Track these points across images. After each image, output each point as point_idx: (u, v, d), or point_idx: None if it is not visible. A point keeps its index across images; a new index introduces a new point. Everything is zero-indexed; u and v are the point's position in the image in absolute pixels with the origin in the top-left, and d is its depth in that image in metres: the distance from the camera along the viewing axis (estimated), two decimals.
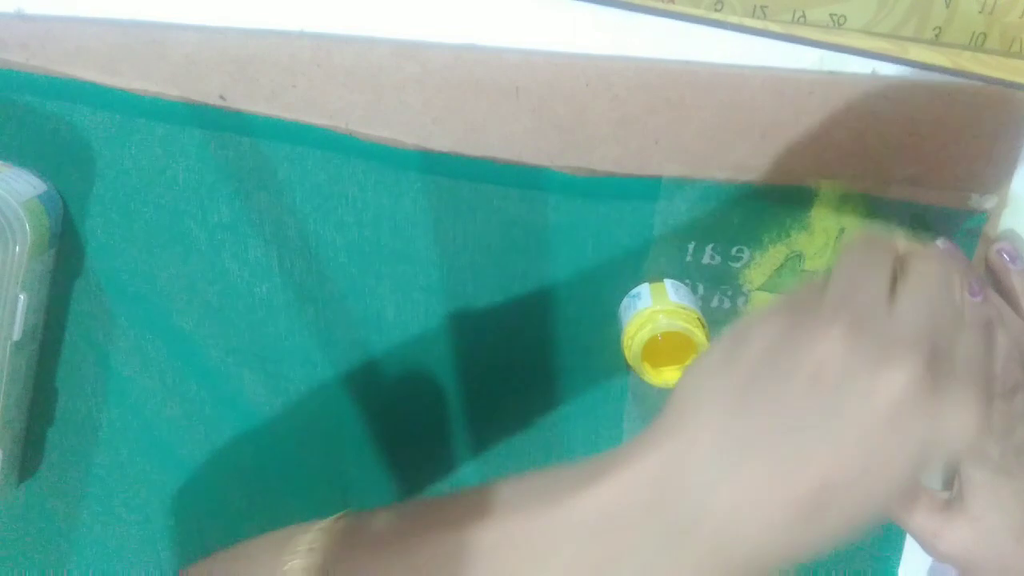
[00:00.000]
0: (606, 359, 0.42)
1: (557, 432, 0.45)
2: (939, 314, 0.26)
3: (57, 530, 0.47)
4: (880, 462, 0.24)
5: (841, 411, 0.24)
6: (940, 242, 0.40)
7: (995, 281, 0.41)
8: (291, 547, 0.32)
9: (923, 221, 0.41)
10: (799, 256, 0.42)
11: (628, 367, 0.40)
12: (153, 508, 0.47)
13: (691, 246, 0.41)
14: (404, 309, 0.43)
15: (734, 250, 0.41)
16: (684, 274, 0.42)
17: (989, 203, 0.40)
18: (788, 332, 0.26)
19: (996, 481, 0.40)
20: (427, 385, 0.45)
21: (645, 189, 0.40)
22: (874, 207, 0.40)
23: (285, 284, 0.43)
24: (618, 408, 0.45)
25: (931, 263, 0.28)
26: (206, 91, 0.39)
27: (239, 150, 0.40)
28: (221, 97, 0.39)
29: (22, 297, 0.39)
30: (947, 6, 0.39)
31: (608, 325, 0.42)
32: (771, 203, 0.40)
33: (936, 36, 0.39)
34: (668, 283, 0.41)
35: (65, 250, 0.42)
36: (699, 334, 0.38)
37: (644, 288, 0.40)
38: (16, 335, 0.40)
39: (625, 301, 0.41)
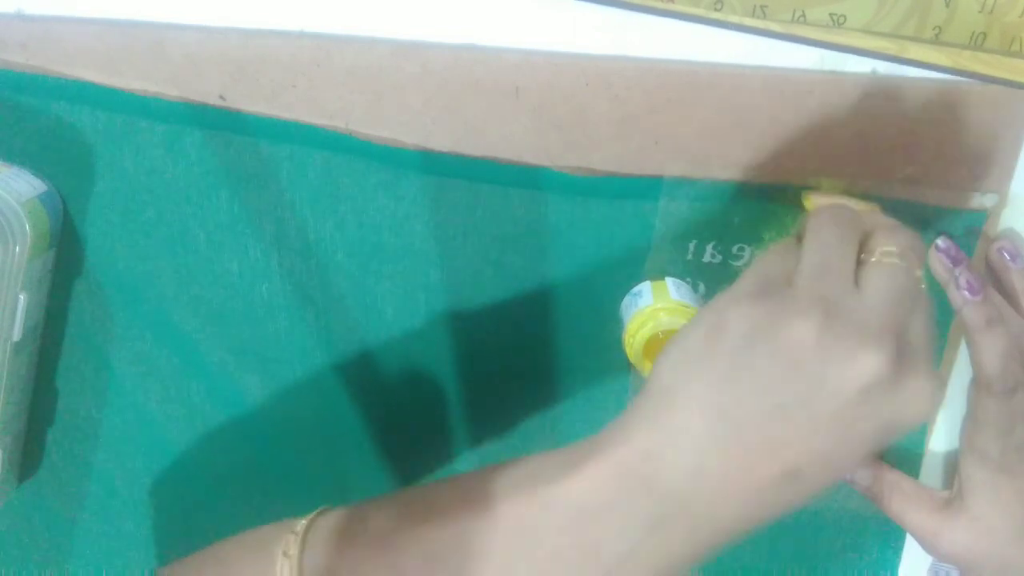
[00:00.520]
0: (607, 357, 0.42)
1: (559, 431, 0.45)
2: (901, 295, 0.28)
3: (57, 530, 0.47)
4: (849, 440, 0.27)
5: (815, 393, 0.26)
6: (940, 241, 0.40)
7: (995, 280, 0.41)
8: (268, 552, 0.32)
9: (923, 221, 0.41)
10: None
11: (630, 365, 0.40)
12: (153, 508, 0.47)
13: (692, 245, 0.41)
14: (404, 309, 0.43)
15: (735, 249, 0.41)
16: (685, 272, 0.42)
17: (989, 202, 0.40)
18: (766, 318, 0.27)
19: (996, 480, 0.40)
20: (427, 385, 0.45)
21: (645, 189, 0.40)
22: None
23: (285, 284, 0.43)
24: (620, 406, 0.45)
25: (892, 241, 0.30)
26: (206, 91, 0.39)
27: (239, 150, 0.40)
28: (221, 97, 0.39)
29: (22, 297, 0.39)
30: (947, 5, 0.39)
31: (609, 323, 0.42)
32: (771, 202, 0.40)
33: (936, 35, 0.40)
34: (669, 281, 0.41)
35: (65, 250, 0.42)
36: None
37: (645, 286, 0.40)
38: (16, 335, 0.40)
39: (626, 299, 0.41)
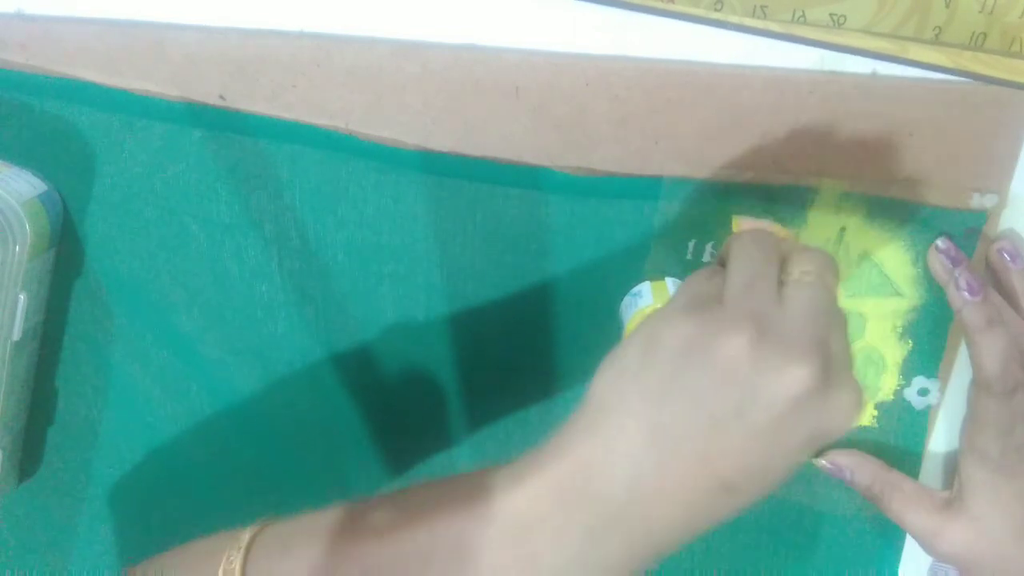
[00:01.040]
0: None
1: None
2: (822, 310, 0.29)
3: (57, 530, 0.47)
4: (781, 450, 0.28)
5: (749, 405, 0.27)
6: (940, 241, 0.40)
7: (995, 280, 0.41)
8: (213, 562, 0.33)
9: (923, 221, 0.41)
10: None
11: None
12: (153, 508, 0.47)
13: (691, 245, 0.41)
14: (404, 309, 0.43)
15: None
16: (685, 272, 0.42)
17: (989, 202, 0.40)
18: (698, 332, 0.28)
19: (996, 481, 0.40)
20: (427, 384, 0.45)
21: (645, 189, 0.40)
22: (874, 207, 0.40)
23: (285, 284, 0.43)
24: None
25: (808, 261, 0.31)
26: (206, 91, 0.39)
27: (239, 150, 0.40)
28: (221, 97, 0.39)
29: (22, 297, 0.39)
30: (947, 6, 0.39)
31: (609, 324, 0.42)
32: (771, 202, 0.40)
33: (936, 36, 0.40)
34: (669, 281, 0.41)
35: (65, 250, 0.42)
36: None
37: (645, 286, 0.40)
38: (16, 335, 0.40)
39: (626, 299, 0.41)
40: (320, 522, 0.33)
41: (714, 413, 0.27)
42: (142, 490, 0.47)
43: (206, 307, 0.43)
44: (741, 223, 0.37)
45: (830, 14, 0.39)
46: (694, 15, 0.38)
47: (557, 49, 0.38)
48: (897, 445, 0.44)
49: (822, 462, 0.43)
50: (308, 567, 0.31)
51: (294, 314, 0.43)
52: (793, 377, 0.27)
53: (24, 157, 0.40)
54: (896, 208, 0.40)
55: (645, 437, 0.28)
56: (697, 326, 0.28)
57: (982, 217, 0.40)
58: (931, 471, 0.45)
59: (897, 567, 0.47)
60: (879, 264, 0.41)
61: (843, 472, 0.43)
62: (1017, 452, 0.39)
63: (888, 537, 0.46)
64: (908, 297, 0.42)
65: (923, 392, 0.43)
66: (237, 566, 0.32)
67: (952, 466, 0.43)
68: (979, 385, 0.39)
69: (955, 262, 0.39)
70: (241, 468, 0.46)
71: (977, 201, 0.40)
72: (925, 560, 0.46)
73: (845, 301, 0.42)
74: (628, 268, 0.42)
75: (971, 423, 0.40)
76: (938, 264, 0.40)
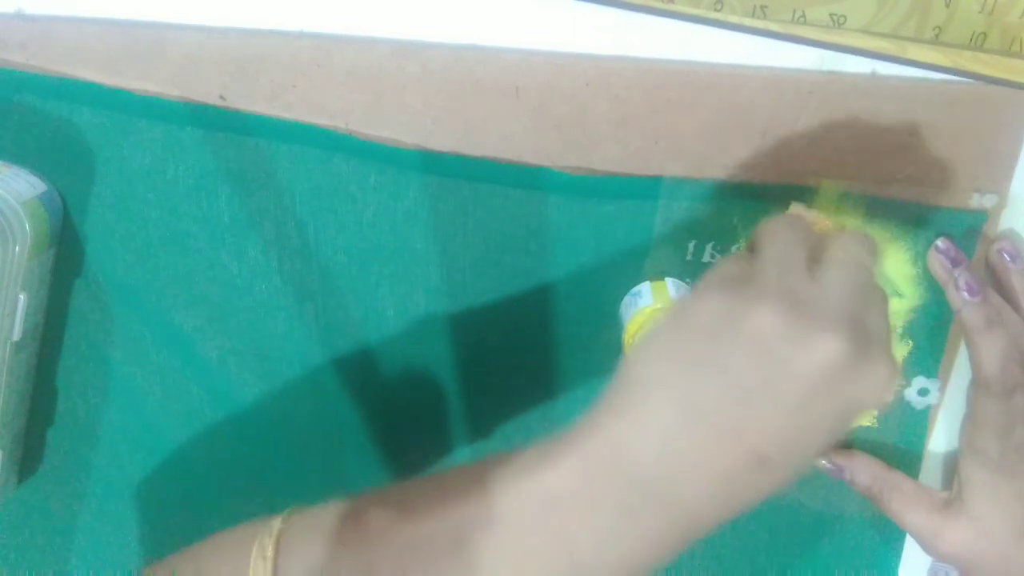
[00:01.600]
0: (607, 358, 0.42)
1: (559, 431, 0.45)
2: (858, 287, 0.29)
3: (57, 530, 0.47)
4: (814, 422, 0.28)
5: (781, 377, 0.27)
6: (940, 241, 0.40)
7: (995, 281, 0.41)
8: (244, 552, 0.33)
9: (923, 221, 0.41)
10: None
11: None
12: (153, 508, 0.47)
13: (691, 245, 0.41)
14: (404, 309, 0.43)
15: (734, 249, 0.41)
16: (685, 273, 0.42)
17: (989, 203, 0.40)
18: (728, 307, 0.28)
19: (996, 481, 0.40)
20: (427, 385, 0.45)
21: (645, 189, 0.40)
22: (874, 207, 0.40)
23: (285, 284, 0.43)
24: None
25: (847, 241, 0.32)
26: (206, 91, 0.39)
27: (239, 150, 0.40)
28: (221, 97, 0.39)
29: (22, 297, 0.39)
30: (947, 6, 0.39)
31: (609, 324, 0.42)
32: (771, 202, 0.40)
33: (936, 36, 0.39)
34: (669, 281, 0.41)
35: (65, 250, 0.42)
36: None
37: (645, 287, 0.40)
38: (16, 335, 0.40)
39: (626, 300, 0.41)
40: (349, 509, 0.33)
41: (746, 387, 0.27)
42: (142, 490, 0.47)
43: (206, 307, 0.43)
44: (794, 210, 0.38)
45: (830, 14, 0.39)
46: (694, 15, 0.38)
47: (557, 49, 0.38)
48: (897, 445, 0.44)
49: (822, 462, 0.44)
50: (341, 552, 0.31)
51: (294, 314, 0.43)
52: (824, 350, 0.27)
53: (24, 157, 0.40)
54: (896, 208, 0.40)
55: (677, 412, 0.28)
56: (728, 301, 0.28)
57: (982, 217, 0.40)
58: (931, 471, 0.45)
59: (897, 567, 0.47)
60: (879, 264, 0.41)
61: (843, 472, 0.43)
62: (1016, 452, 0.39)
63: (888, 537, 0.46)
64: (908, 297, 0.42)
65: (923, 392, 0.43)
66: (270, 552, 0.32)
67: (952, 466, 0.43)
68: (978, 385, 0.39)
69: (955, 262, 0.39)
70: (241, 468, 0.46)
71: (977, 201, 0.40)
72: (925, 560, 0.46)
73: None
74: (628, 268, 0.42)
75: (971, 423, 0.40)
76: (938, 264, 0.40)
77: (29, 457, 0.46)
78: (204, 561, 0.35)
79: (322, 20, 0.38)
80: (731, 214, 0.41)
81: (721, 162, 0.40)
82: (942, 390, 0.43)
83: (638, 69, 0.38)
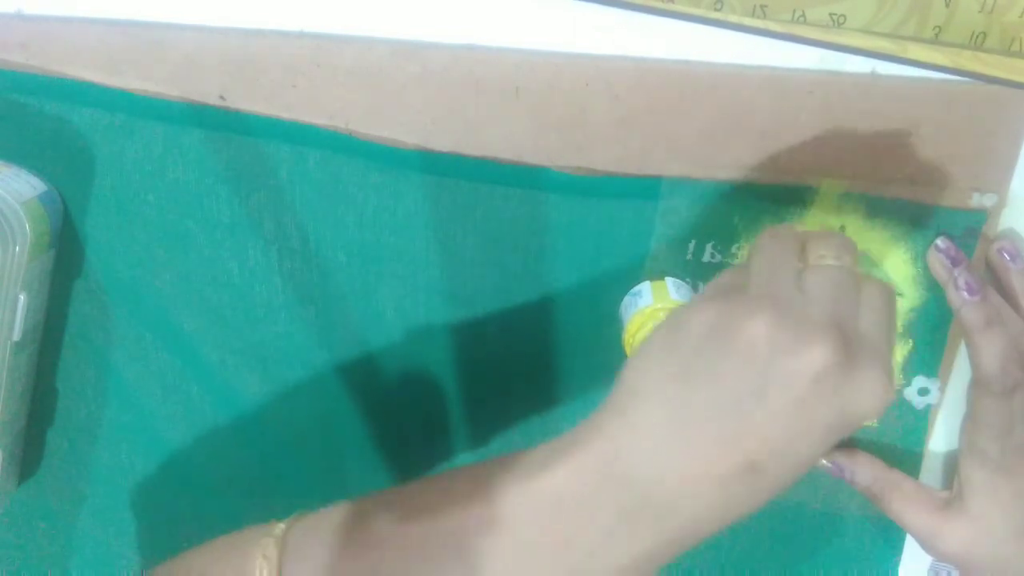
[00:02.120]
0: (607, 358, 0.42)
1: (559, 431, 0.45)
2: (840, 290, 0.30)
3: (57, 530, 0.47)
4: (806, 430, 0.28)
5: (771, 386, 0.28)
6: (940, 241, 0.40)
7: (995, 280, 0.41)
8: (246, 555, 0.33)
9: (923, 221, 0.41)
10: None
11: None
12: (153, 508, 0.47)
13: (691, 245, 0.41)
14: (404, 309, 0.43)
15: (734, 248, 0.41)
16: (685, 272, 0.42)
17: (989, 202, 0.40)
18: (720, 318, 0.29)
19: (996, 480, 0.40)
20: (427, 385, 0.45)
21: (645, 189, 0.40)
22: (874, 207, 0.40)
23: (285, 284, 0.43)
24: None
25: (823, 245, 0.32)
26: (206, 91, 0.39)
27: (239, 150, 0.40)
28: (221, 97, 0.39)
29: (22, 297, 0.39)
30: (947, 5, 0.39)
31: (609, 324, 0.42)
32: (771, 202, 0.40)
33: (936, 35, 0.40)
34: (669, 281, 0.41)
35: (65, 250, 0.42)
36: None
37: (645, 286, 0.40)
38: (16, 335, 0.40)
39: (626, 299, 0.41)
40: (352, 511, 0.33)
41: (737, 394, 0.28)
42: (142, 490, 0.47)
43: (206, 307, 0.43)
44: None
45: (830, 14, 0.39)
46: (694, 15, 0.38)
47: (557, 49, 0.38)
48: (897, 445, 0.44)
49: (823, 462, 0.44)
50: (344, 555, 0.32)
51: (294, 314, 0.43)
52: (810, 356, 0.27)
53: (24, 157, 0.40)
54: (896, 208, 0.40)
55: (670, 420, 0.28)
56: (719, 312, 0.29)
57: (982, 217, 0.40)
58: (931, 471, 0.45)
59: (897, 567, 0.47)
60: (879, 264, 0.41)
61: (843, 472, 0.43)
62: (1016, 452, 0.39)
63: (888, 537, 0.46)
64: (908, 297, 0.42)
65: (923, 392, 0.43)
66: (274, 556, 0.32)
67: (952, 466, 0.43)
68: (978, 385, 0.39)
69: (955, 262, 0.39)
70: (241, 467, 0.46)
71: (977, 201, 0.40)
72: (925, 560, 0.46)
73: None
74: (628, 268, 0.42)
75: (971, 423, 0.40)
76: (938, 264, 0.40)
77: (29, 457, 0.46)
78: (206, 565, 0.35)
79: (322, 20, 0.38)
80: (731, 214, 0.41)
81: (721, 162, 0.40)
82: (942, 390, 0.43)
83: (638, 69, 0.38)
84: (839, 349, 0.27)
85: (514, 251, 0.42)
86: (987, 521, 0.40)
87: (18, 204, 0.38)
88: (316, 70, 0.38)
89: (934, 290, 0.41)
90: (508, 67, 0.38)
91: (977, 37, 0.39)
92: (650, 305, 0.39)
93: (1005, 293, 0.40)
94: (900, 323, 0.42)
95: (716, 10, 0.39)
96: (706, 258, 0.42)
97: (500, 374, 0.44)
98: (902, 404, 0.44)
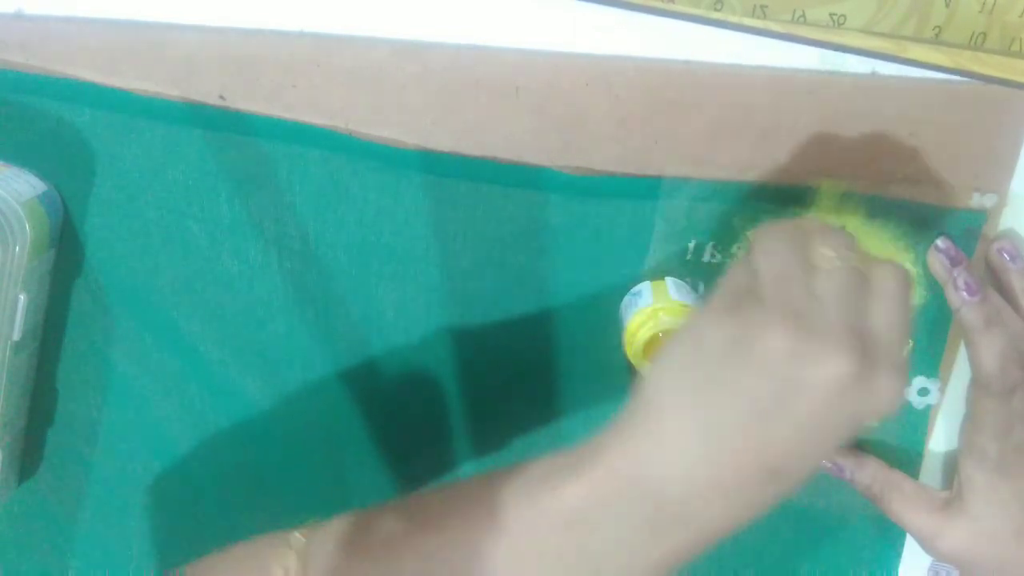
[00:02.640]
0: (607, 357, 0.42)
1: (559, 431, 0.45)
2: (848, 292, 0.30)
3: (57, 530, 0.47)
4: (823, 436, 0.29)
5: (791, 397, 0.28)
6: (940, 241, 0.40)
7: (995, 280, 0.41)
8: (265, 567, 0.33)
9: (923, 221, 0.41)
10: None
11: (630, 365, 0.40)
12: (153, 508, 0.47)
13: (692, 245, 0.41)
14: (404, 309, 0.43)
15: (735, 248, 0.41)
16: (685, 272, 0.42)
17: (989, 202, 0.40)
18: (739, 331, 0.29)
19: (995, 481, 0.40)
20: (427, 385, 0.45)
21: (645, 189, 0.40)
22: (874, 206, 0.40)
23: (285, 284, 0.43)
24: (620, 406, 0.45)
25: (828, 246, 0.32)
26: (206, 91, 0.39)
27: (239, 150, 0.40)
28: (221, 97, 0.39)
29: (22, 297, 0.39)
30: (947, 5, 0.39)
31: (609, 324, 0.42)
32: (771, 202, 0.40)
33: (936, 35, 0.40)
34: (669, 281, 0.41)
35: (65, 250, 0.42)
36: None
37: (645, 286, 0.40)
38: (16, 335, 0.40)
39: (626, 299, 0.41)
40: (364, 521, 0.33)
41: (760, 406, 0.28)
42: (142, 490, 0.47)
43: (206, 307, 0.43)
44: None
45: (830, 14, 0.39)
46: (694, 15, 0.38)
47: (557, 49, 0.38)
48: (897, 445, 0.44)
49: (823, 462, 0.43)
50: (359, 566, 0.32)
51: (294, 314, 0.43)
52: (830, 367, 0.28)
53: (24, 157, 0.40)
54: (896, 208, 0.40)
55: (697, 433, 0.29)
56: (737, 325, 0.29)
57: (982, 217, 0.40)
58: (931, 471, 0.45)
59: (897, 567, 0.47)
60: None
61: (843, 472, 0.43)
62: (1016, 452, 0.39)
63: (888, 537, 0.46)
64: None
65: (923, 392, 0.43)
66: (293, 568, 0.33)
67: (952, 466, 0.43)
68: (978, 385, 0.39)
69: (954, 262, 0.39)
70: (241, 467, 0.46)
71: (977, 201, 0.40)
72: (925, 560, 0.46)
73: None
74: (628, 267, 0.42)
75: (970, 423, 0.40)
76: (938, 264, 0.40)
77: (29, 457, 0.46)
78: (227, 572, 0.36)
79: (322, 20, 0.38)
80: (731, 214, 0.41)
81: (721, 162, 0.40)
82: (942, 390, 0.43)
83: (638, 69, 0.38)
84: (856, 357, 0.28)
85: (514, 251, 0.42)
86: (987, 521, 0.40)
87: (18, 204, 0.38)
88: (316, 70, 0.38)
89: (934, 290, 0.41)
90: (508, 67, 0.38)
91: (977, 37, 0.39)
92: (650, 305, 0.39)
93: (1005, 293, 0.40)
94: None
95: (716, 10, 0.39)
96: (706, 258, 0.42)
97: (500, 373, 0.44)
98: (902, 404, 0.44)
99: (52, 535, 0.48)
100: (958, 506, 0.41)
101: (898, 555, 0.47)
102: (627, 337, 0.39)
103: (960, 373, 0.43)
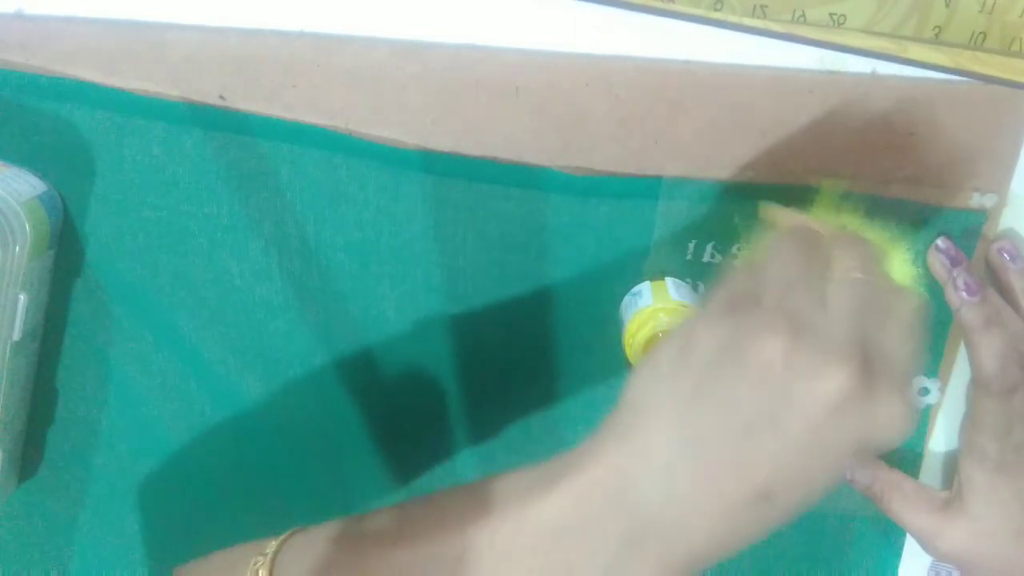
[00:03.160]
0: (607, 358, 0.42)
1: (559, 431, 0.45)
2: (865, 308, 0.28)
3: (57, 530, 0.47)
4: (819, 458, 0.26)
5: (786, 413, 0.26)
6: (940, 241, 0.40)
7: (995, 280, 0.41)
8: (237, 573, 0.32)
9: (923, 221, 0.41)
10: None
11: (629, 365, 0.40)
12: (153, 508, 0.47)
13: (692, 245, 0.41)
14: (404, 309, 0.43)
15: (735, 248, 0.41)
16: (685, 272, 0.42)
17: (989, 202, 0.40)
18: (734, 335, 0.27)
19: (995, 481, 0.40)
20: (427, 385, 0.45)
21: (645, 189, 0.40)
22: (874, 206, 0.40)
23: (285, 284, 0.43)
24: None
25: (851, 255, 0.30)
26: (206, 91, 0.39)
27: (239, 150, 0.40)
28: (221, 97, 0.39)
29: (22, 297, 0.39)
30: (947, 5, 0.39)
31: (609, 324, 0.42)
32: (771, 202, 0.40)
33: (936, 35, 0.40)
34: (669, 281, 0.41)
35: (65, 250, 0.42)
36: None
37: (645, 286, 0.40)
38: (16, 335, 0.40)
39: (626, 299, 0.41)
40: (340, 530, 0.32)
41: (748, 419, 0.26)
42: (142, 490, 0.47)
43: (206, 307, 0.43)
44: (771, 213, 0.36)
45: (830, 14, 0.39)
46: (694, 15, 0.38)
47: (557, 49, 0.38)
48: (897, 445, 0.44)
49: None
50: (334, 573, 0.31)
51: (294, 314, 0.43)
52: (829, 382, 0.25)
53: (24, 157, 0.40)
54: (896, 208, 0.40)
55: (678, 444, 0.27)
56: (732, 328, 0.27)
57: (982, 217, 0.40)
58: (931, 471, 0.45)
59: (897, 567, 0.47)
60: (885, 251, 0.41)
61: (843, 471, 0.43)
62: (1016, 452, 0.39)
63: (888, 537, 0.46)
64: None
65: (923, 392, 0.43)
66: (264, 573, 0.32)
67: (952, 466, 0.43)
68: (978, 385, 0.39)
69: (954, 262, 0.39)
70: (241, 467, 0.46)
71: (977, 201, 0.40)
72: (925, 560, 0.46)
73: None
74: (628, 268, 0.42)
75: (970, 423, 0.40)
76: (938, 264, 0.40)
77: (29, 457, 0.46)
78: None
79: (322, 20, 0.38)
80: (731, 214, 0.41)
81: (721, 162, 0.40)
82: (942, 390, 0.43)
83: (638, 69, 0.38)
84: (859, 375, 0.26)
85: (514, 251, 0.42)
86: (987, 521, 0.40)
87: (18, 204, 0.38)
88: (316, 70, 0.38)
89: (934, 290, 0.41)
90: (508, 67, 0.38)
91: (977, 37, 0.39)
92: (650, 305, 0.39)
93: (1005, 293, 0.40)
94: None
95: (716, 10, 0.39)
96: (706, 258, 0.42)
97: (500, 374, 0.44)
98: None
99: (52, 535, 0.48)
100: (958, 506, 0.41)
101: (898, 555, 0.47)
102: (627, 337, 0.39)
103: (960, 373, 0.43)
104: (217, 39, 0.38)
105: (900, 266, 0.41)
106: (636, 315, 0.39)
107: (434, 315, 0.43)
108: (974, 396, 0.40)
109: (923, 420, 0.44)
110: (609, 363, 0.43)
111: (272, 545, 0.33)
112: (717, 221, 0.41)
